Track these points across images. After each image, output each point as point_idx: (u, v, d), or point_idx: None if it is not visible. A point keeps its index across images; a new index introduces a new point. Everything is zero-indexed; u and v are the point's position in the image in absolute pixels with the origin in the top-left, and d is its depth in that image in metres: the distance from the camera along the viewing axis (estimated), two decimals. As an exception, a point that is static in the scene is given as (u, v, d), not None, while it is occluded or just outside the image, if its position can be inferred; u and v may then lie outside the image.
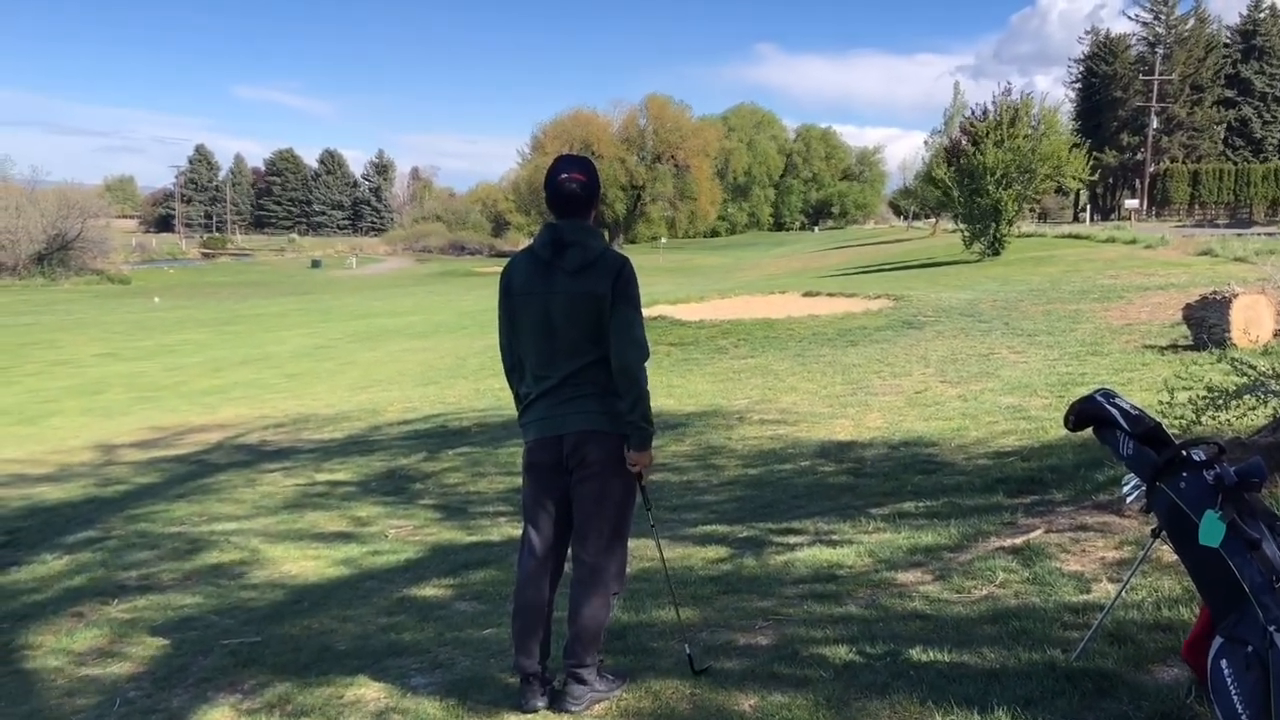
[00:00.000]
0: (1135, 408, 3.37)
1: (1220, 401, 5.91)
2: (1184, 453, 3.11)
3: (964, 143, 32.33)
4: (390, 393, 15.06)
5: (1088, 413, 3.42)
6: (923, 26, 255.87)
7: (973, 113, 32.49)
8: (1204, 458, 3.07)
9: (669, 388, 12.28)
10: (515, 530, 6.68)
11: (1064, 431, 3.93)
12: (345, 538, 6.89)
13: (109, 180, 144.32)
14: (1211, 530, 2.89)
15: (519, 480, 8.14)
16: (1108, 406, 3.37)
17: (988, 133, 30.63)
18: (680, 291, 28.03)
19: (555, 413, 3.55)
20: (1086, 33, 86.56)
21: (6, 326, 31.26)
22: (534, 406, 3.61)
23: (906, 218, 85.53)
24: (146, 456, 11.14)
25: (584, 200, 3.54)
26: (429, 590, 5.44)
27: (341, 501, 8.03)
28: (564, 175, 3.52)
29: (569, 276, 3.46)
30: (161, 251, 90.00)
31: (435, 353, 20.33)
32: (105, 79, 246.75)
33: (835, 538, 5.55)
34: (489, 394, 13.91)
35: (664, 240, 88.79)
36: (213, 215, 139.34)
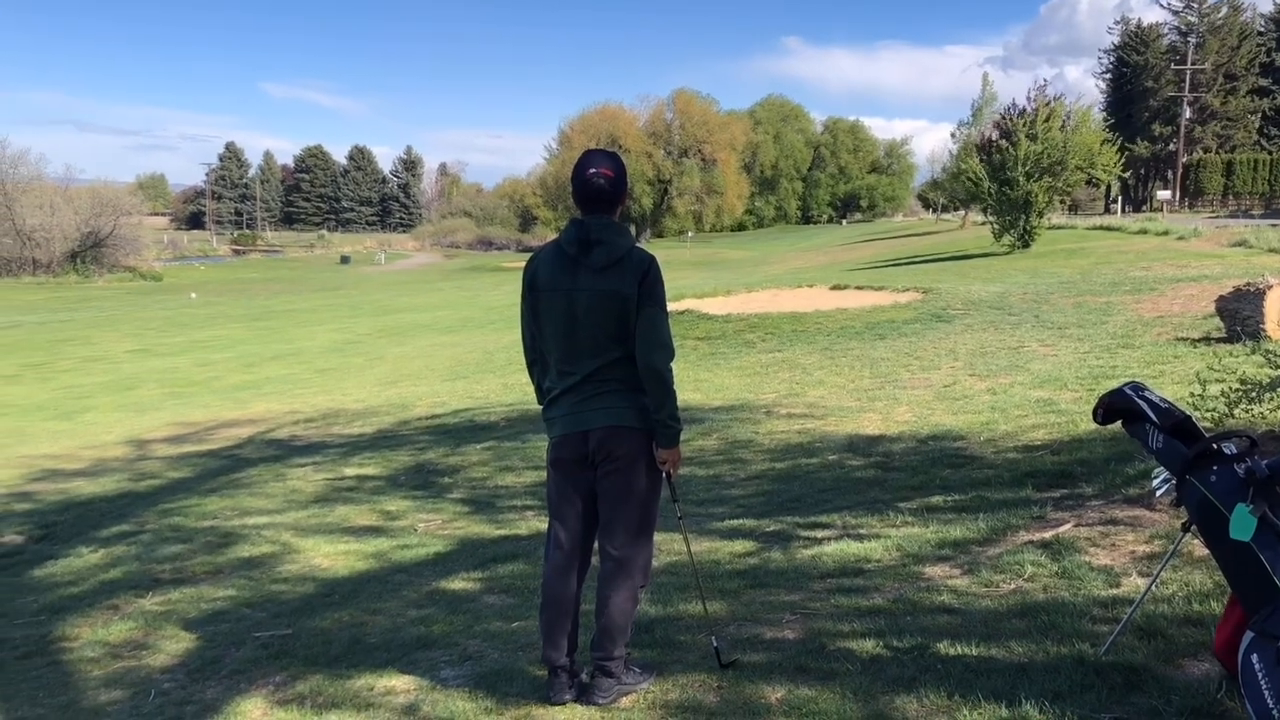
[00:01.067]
0: (1165, 400, 3.34)
1: (1254, 394, 5.85)
2: (1215, 446, 3.08)
3: (995, 137, 32.14)
4: (418, 388, 15.14)
5: (1117, 406, 3.40)
6: (950, 18, 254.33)
7: (1009, 109, 32.20)
8: (1235, 451, 3.05)
9: (696, 382, 12.28)
10: (543, 524, 6.69)
11: (1094, 425, 3.91)
12: (375, 531, 6.94)
13: (141, 178, 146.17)
14: (1243, 524, 2.87)
15: (544, 474, 8.21)
16: (1137, 399, 3.35)
17: (1023, 126, 30.41)
18: (707, 285, 27.99)
19: (580, 409, 3.55)
20: (1116, 23, 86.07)
21: (42, 324, 31.67)
22: (558, 402, 3.62)
23: (935, 210, 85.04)
24: (179, 451, 11.26)
25: (611, 196, 3.52)
26: (458, 583, 5.47)
27: (371, 495, 8.09)
28: (591, 170, 3.49)
29: (595, 274, 3.45)
30: (192, 248, 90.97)
31: (463, 348, 20.41)
32: (137, 78, 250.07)
33: (862, 532, 5.54)
34: (516, 388, 13.96)
35: (691, 234, 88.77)
36: (243, 212, 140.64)
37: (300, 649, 4.62)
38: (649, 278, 3.46)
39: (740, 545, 5.60)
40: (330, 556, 6.40)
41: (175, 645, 4.92)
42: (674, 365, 3.57)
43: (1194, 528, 3.18)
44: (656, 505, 3.72)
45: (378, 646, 4.54)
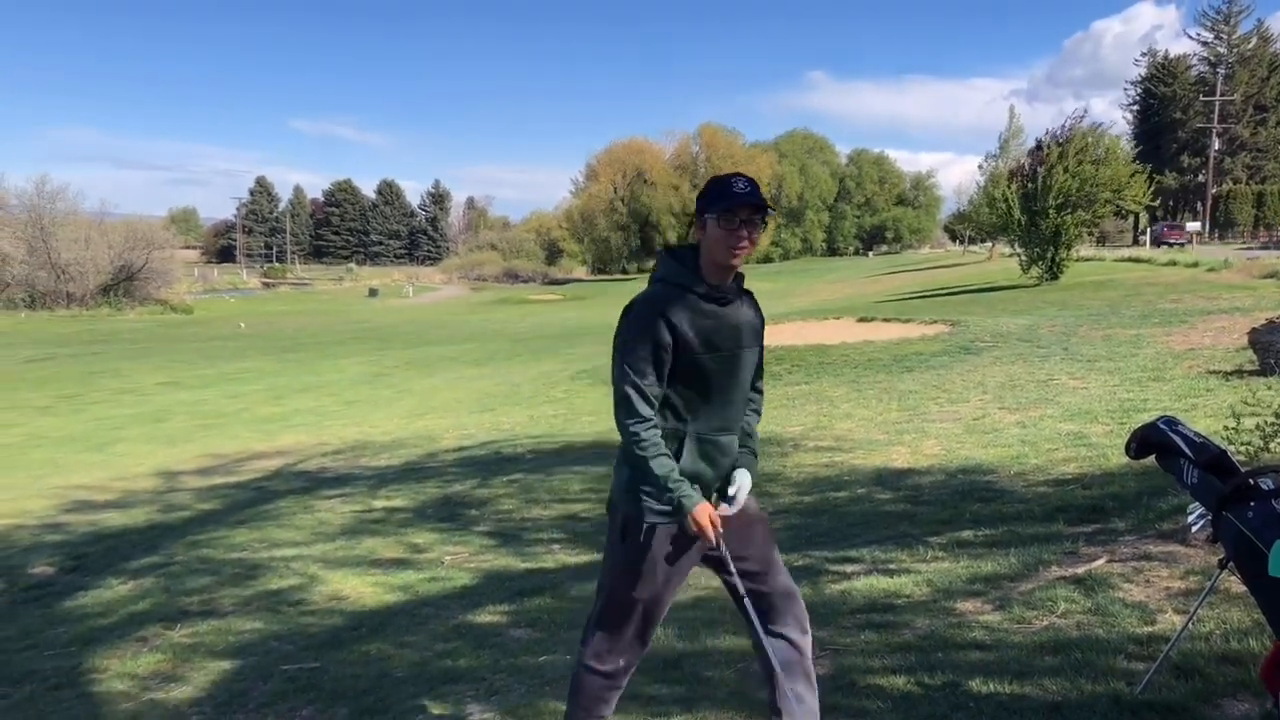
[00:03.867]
0: (1199, 435, 3.31)
1: (1289, 428, 5.77)
2: (1251, 481, 3.04)
3: (1026, 166, 32.06)
4: (446, 420, 15.18)
5: (1150, 440, 3.37)
6: (974, 51, 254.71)
7: (1050, 134, 32.09)
8: (1272, 486, 3.01)
9: (723, 414, 12.18)
10: (570, 557, 6.72)
11: (1125, 459, 3.86)
12: (402, 564, 6.93)
13: (173, 212, 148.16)
14: (1281, 561, 2.83)
15: (573, 507, 8.24)
16: (1170, 434, 3.31)
17: (1060, 158, 30.30)
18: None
19: None
20: (1143, 54, 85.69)
21: (75, 356, 32.04)
22: None
23: (962, 242, 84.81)
24: (208, 483, 11.32)
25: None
26: (485, 617, 5.46)
27: (398, 528, 8.09)
28: (743, 185, 2.96)
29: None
30: (223, 281, 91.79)
31: (490, 380, 20.47)
32: (170, 115, 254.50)
33: (892, 566, 5.49)
34: (542, 421, 13.98)
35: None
36: (272, 245, 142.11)
37: (327, 682, 4.62)
38: (623, 318, 2.99)
39: (768, 580, 5.55)
40: (358, 588, 6.40)
41: (203, 678, 4.93)
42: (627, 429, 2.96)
43: (1231, 564, 3.13)
44: (624, 597, 3.08)
45: (404, 680, 4.53)
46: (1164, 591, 4.55)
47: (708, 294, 2.95)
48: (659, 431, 2.93)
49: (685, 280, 2.96)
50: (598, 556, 6.66)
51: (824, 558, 5.88)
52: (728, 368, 3.00)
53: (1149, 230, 60.17)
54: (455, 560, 6.91)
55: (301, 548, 7.63)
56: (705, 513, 2.92)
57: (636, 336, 2.91)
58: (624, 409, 2.92)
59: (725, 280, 3.00)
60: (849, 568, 5.59)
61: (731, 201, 2.90)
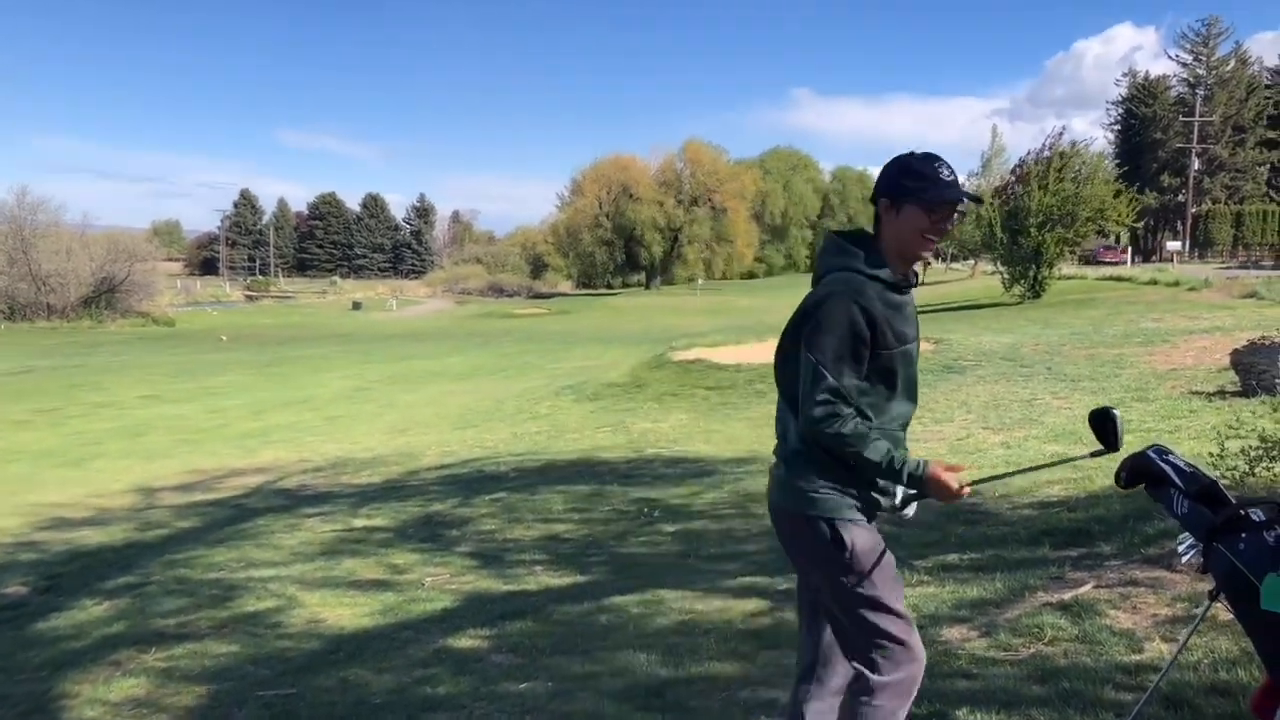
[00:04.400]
0: (1190, 465, 3.26)
1: (1275, 452, 5.76)
2: (1242, 512, 3.00)
3: (1012, 184, 32.34)
4: (427, 436, 15.08)
5: (1140, 469, 3.32)
6: (957, 71, 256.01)
7: (1031, 153, 32.36)
8: (1264, 518, 2.96)
9: (707, 433, 12.18)
10: (552, 579, 6.64)
11: (1110, 482, 3.82)
12: (382, 585, 6.84)
13: (156, 224, 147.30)
14: (1274, 594, 2.78)
15: (556, 527, 8.17)
16: (1160, 463, 3.27)
17: (1036, 175, 30.57)
18: (718, 334, 27.97)
19: None
20: (1124, 75, 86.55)
21: (55, 369, 31.75)
22: None
23: (944, 260, 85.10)
24: (186, 500, 11.19)
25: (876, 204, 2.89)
26: (465, 641, 5.37)
27: (378, 548, 8.00)
28: (950, 173, 2.80)
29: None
30: (206, 294, 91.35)
31: (473, 395, 20.37)
32: (154, 125, 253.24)
33: (877, 591, 5.42)
34: (526, 438, 13.90)
35: (701, 282, 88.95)
36: (256, 258, 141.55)
37: (304, 709, 4.52)
38: (817, 310, 2.76)
39: (753, 604, 5.50)
40: (336, 610, 6.30)
41: (178, 703, 4.83)
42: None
43: (1221, 596, 3.09)
44: (874, 601, 2.82)
45: (382, 708, 4.44)
46: (1151, 619, 4.52)
47: (896, 283, 2.79)
48: (860, 421, 2.72)
49: (877, 269, 2.77)
50: (580, 578, 6.63)
51: (809, 581, 5.81)
52: (910, 360, 2.86)
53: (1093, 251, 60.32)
54: (436, 582, 6.82)
55: (280, 568, 7.52)
56: (941, 467, 2.76)
57: (835, 329, 2.69)
58: (823, 409, 2.68)
59: (907, 271, 2.86)
60: (834, 592, 5.52)
61: (954, 194, 2.75)
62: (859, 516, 2.80)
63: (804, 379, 2.75)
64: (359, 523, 9.05)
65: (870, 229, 2.88)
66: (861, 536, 2.79)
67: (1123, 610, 4.66)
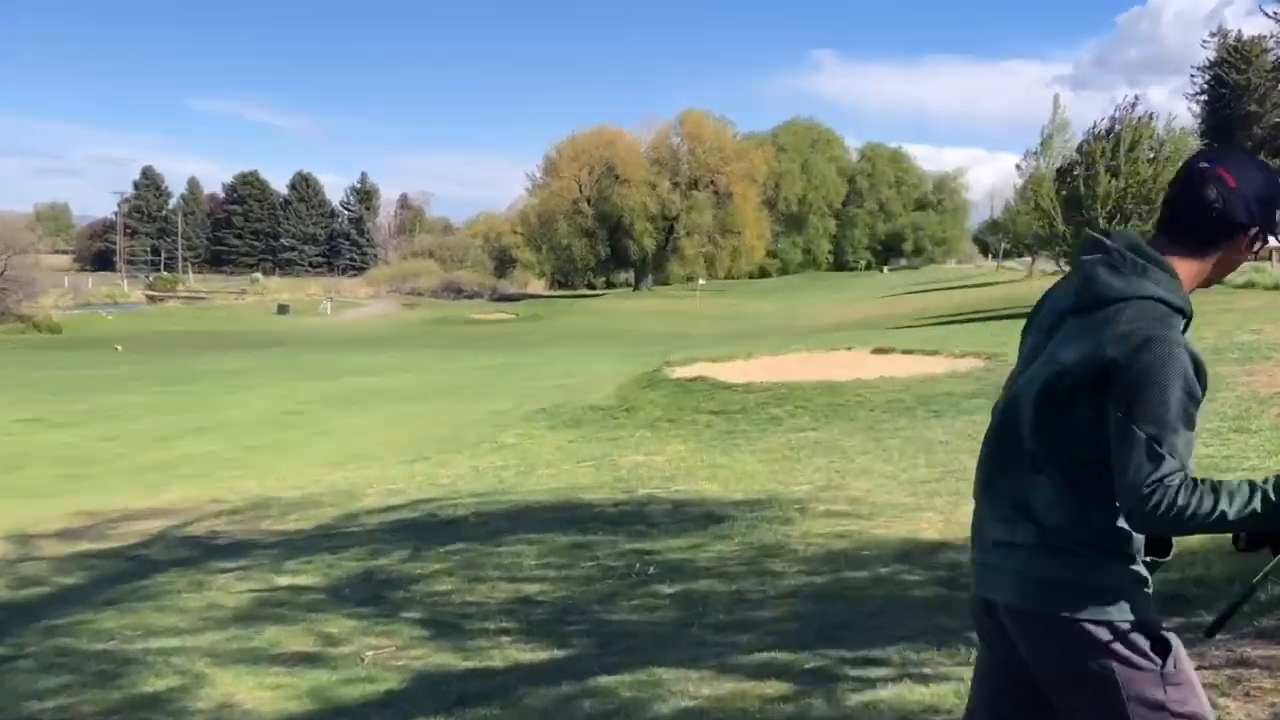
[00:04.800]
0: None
1: None
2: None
3: (1077, 165, 32.47)
4: (370, 471, 15.01)
5: (1265, 530, 3.23)
6: (1010, 29, 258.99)
7: (1095, 127, 32.50)
8: None
9: (712, 468, 12.11)
10: (523, 654, 6.57)
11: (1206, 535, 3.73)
12: (311, 660, 6.77)
13: (39, 208, 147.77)
14: None
15: (527, 588, 8.09)
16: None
17: (1102, 155, 30.68)
18: (723, 346, 27.98)
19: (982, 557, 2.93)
20: (1212, 35, 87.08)
21: (-88, 385, 31.59)
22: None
23: (996, 256, 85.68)
24: (72, 550, 11.09)
25: (1181, 209, 2.67)
26: (415, 733, 5.29)
27: (307, 613, 7.93)
28: (1206, 165, 2.62)
29: (1054, 325, 2.74)
30: (99, 294, 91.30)
31: (425, 420, 20.31)
32: (36, 89, 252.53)
33: (927, 671, 5.35)
34: (489, 474, 13.82)
35: (702, 282, 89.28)
36: (160, 250, 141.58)
37: (212, 822, 4.40)
38: (1133, 361, 2.50)
39: (773, 687, 5.41)
40: (255, 693, 6.23)
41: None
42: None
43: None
44: None
45: (311, 821, 4.33)
46: (1270, 709, 4.44)
47: (1189, 319, 2.59)
48: (1184, 474, 2.48)
49: (1186, 307, 2.58)
50: (557, 652, 6.55)
51: (841, 658, 5.75)
52: None
53: None
54: (378, 656, 6.75)
55: (185, 637, 7.45)
56: None
57: (1168, 392, 2.47)
58: (1162, 483, 2.46)
59: None
60: (873, 672, 5.46)
61: None
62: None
63: (1125, 455, 2.51)
64: (283, 580, 8.99)
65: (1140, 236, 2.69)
66: (1174, 638, 2.62)
67: (1233, 697, 4.61)
